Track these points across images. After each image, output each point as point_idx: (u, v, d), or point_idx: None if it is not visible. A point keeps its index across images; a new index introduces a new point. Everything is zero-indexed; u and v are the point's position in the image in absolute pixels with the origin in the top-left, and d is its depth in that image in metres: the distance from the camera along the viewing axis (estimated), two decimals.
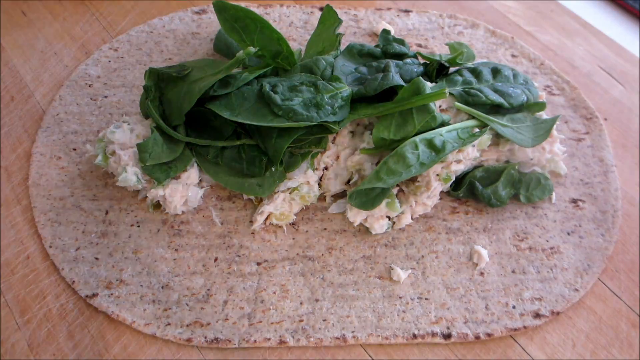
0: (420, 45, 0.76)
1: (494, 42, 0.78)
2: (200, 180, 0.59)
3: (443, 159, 0.55)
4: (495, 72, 0.62)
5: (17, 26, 0.76)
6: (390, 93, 0.56)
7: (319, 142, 0.57)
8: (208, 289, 0.54)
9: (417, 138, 0.54)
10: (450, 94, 0.58)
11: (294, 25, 0.78)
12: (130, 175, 0.55)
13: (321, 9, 0.80)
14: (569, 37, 0.82)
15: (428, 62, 0.63)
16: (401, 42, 0.65)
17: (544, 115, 0.63)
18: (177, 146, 0.56)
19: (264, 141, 0.55)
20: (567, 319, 0.55)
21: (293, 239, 0.58)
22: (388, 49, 0.63)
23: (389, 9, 0.81)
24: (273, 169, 0.56)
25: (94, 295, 0.53)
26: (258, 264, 0.56)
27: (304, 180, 0.57)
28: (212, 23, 0.77)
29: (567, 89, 0.73)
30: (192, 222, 0.59)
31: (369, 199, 0.55)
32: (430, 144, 0.54)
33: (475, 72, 0.61)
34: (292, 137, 0.54)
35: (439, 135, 0.54)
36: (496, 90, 0.59)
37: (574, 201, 0.63)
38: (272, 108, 0.53)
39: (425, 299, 0.54)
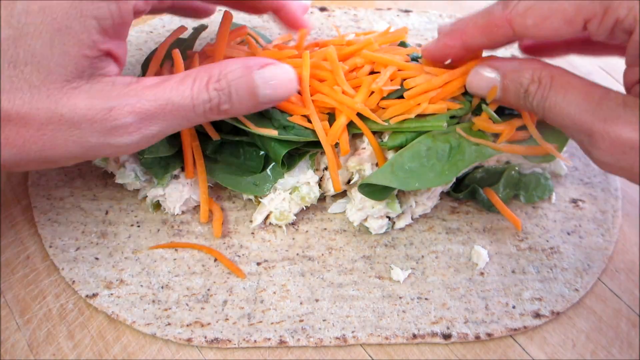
0: (420, 46, 0.76)
1: None
2: None
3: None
4: None
5: None
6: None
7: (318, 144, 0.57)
8: (208, 289, 0.54)
9: (433, 135, 0.54)
10: None
11: None
12: (129, 171, 0.56)
13: (321, 9, 0.80)
14: None
15: None
16: (402, 43, 0.65)
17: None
18: (175, 140, 0.56)
19: (263, 143, 0.55)
20: (567, 319, 0.55)
21: (293, 239, 0.58)
22: None
23: (389, 9, 0.81)
24: (271, 166, 0.56)
25: (94, 295, 0.53)
26: (258, 263, 0.56)
27: (304, 181, 0.57)
28: (212, 23, 0.77)
29: None
30: (192, 222, 0.59)
31: (377, 188, 0.54)
32: (446, 141, 0.54)
33: None
34: (290, 146, 0.54)
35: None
36: None
37: (574, 201, 0.63)
38: (272, 122, 0.54)
39: (425, 299, 0.54)
